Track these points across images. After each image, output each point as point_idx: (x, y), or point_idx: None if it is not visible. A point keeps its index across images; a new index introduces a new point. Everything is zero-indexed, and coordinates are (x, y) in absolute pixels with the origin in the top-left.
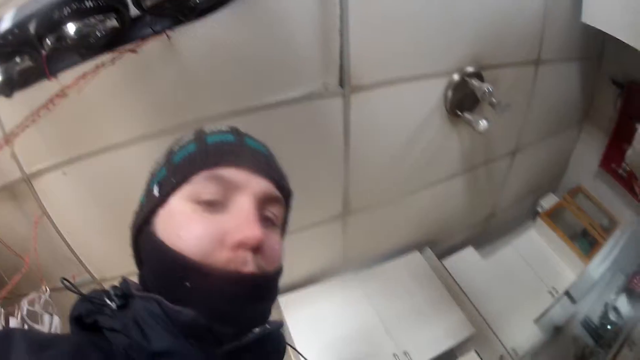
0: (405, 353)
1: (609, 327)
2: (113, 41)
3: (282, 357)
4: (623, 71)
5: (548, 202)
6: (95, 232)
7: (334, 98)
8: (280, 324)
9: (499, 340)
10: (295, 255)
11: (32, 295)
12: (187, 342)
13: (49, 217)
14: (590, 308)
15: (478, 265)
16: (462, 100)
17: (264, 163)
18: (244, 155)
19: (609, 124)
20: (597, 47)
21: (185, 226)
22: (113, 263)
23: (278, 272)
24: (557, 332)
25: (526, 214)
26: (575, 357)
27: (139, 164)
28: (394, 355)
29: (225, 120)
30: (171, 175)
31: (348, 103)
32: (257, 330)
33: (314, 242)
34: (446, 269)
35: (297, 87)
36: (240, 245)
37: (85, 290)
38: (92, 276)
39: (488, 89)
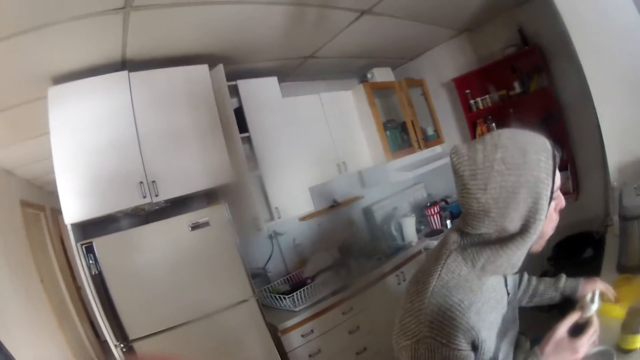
0: (153, 183)
1: (394, 233)
2: None
3: None
4: None
5: (381, 75)
6: None
7: None
8: None
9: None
10: (68, 44)
11: None
12: None
13: None
14: (379, 204)
15: (274, 101)
16: None
17: None
18: None
19: None
20: None
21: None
22: None
23: None
24: (336, 204)
25: (353, 75)
26: (343, 244)
27: None
28: (140, 183)
29: None
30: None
31: None
32: None
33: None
34: (238, 91)
35: None
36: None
37: None
38: None
39: None
